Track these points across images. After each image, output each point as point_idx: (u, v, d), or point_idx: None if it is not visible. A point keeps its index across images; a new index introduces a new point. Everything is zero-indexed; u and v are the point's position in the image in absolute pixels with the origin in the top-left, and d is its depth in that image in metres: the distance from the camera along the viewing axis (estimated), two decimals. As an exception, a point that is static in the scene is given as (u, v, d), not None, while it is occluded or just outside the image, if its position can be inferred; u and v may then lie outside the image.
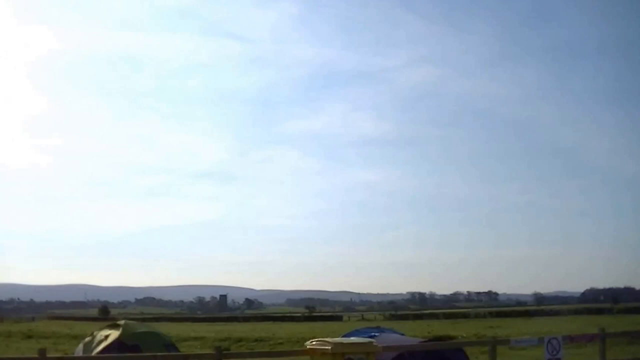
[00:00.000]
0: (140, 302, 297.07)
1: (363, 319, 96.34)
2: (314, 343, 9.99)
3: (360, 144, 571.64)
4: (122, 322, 16.64)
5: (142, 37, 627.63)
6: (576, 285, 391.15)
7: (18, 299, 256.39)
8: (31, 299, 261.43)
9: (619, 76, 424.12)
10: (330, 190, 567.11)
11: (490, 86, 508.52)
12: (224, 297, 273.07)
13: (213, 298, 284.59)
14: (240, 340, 39.33)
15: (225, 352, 11.31)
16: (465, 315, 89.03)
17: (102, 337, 15.66)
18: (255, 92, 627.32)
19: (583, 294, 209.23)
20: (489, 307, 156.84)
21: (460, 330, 38.33)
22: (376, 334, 12.61)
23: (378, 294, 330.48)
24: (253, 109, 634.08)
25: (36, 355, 9.86)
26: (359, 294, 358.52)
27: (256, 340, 38.67)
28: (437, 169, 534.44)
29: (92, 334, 16.30)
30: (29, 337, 45.37)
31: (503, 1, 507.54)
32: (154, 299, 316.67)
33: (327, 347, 9.52)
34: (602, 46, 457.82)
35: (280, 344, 34.87)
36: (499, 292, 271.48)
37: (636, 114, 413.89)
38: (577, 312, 79.40)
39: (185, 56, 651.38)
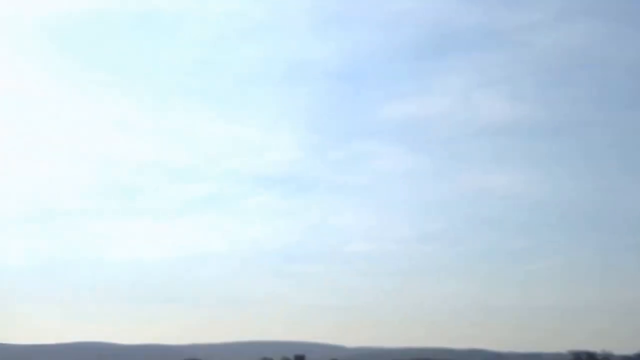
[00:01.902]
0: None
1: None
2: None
3: (489, 134, 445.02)
4: None
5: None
6: None
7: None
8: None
9: None
10: (449, 200, 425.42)
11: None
12: (300, 359, 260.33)
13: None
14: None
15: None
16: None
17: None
18: (337, 63, 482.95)
19: None
20: None
21: None
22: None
23: (525, 354, 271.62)
24: (334, 88, 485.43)
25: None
26: (497, 353, 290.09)
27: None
28: (604, 171, 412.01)
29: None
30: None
31: None
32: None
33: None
34: None
35: None
36: None
37: None
38: None
39: (235, 15, 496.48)
